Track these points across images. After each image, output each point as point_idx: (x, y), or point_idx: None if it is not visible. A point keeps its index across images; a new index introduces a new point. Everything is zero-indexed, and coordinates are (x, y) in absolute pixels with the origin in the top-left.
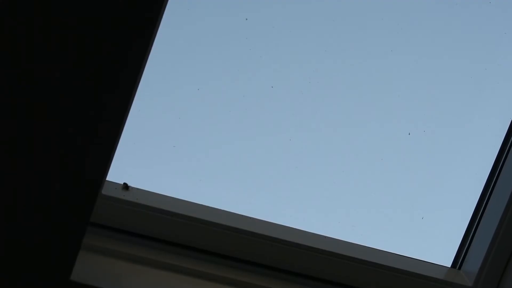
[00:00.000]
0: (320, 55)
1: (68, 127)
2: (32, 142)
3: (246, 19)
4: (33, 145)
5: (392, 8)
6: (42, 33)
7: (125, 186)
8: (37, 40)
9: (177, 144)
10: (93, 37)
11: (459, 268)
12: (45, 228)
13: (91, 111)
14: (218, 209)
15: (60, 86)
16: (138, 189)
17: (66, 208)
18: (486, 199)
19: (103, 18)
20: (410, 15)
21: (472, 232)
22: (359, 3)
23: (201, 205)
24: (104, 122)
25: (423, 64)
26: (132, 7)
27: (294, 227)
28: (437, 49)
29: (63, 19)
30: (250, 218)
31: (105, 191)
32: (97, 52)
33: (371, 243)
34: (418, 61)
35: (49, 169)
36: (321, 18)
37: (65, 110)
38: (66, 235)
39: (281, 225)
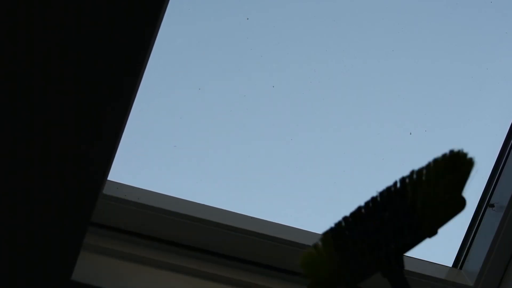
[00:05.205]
0: (321, 55)
1: (68, 126)
2: (33, 141)
3: (247, 18)
4: (33, 145)
5: (392, 8)
6: (42, 33)
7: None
8: (37, 41)
9: (178, 144)
10: (93, 37)
11: (461, 267)
12: (46, 227)
13: (92, 110)
14: (218, 208)
15: (60, 86)
16: (139, 188)
17: (67, 207)
18: (487, 198)
19: (103, 18)
20: (411, 15)
21: (473, 232)
22: (360, 3)
23: (202, 204)
24: (105, 121)
25: (424, 64)
26: (132, 6)
27: (295, 226)
28: (438, 49)
29: (62, 20)
30: (251, 217)
31: (106, 190)
32: (97, 52)
33: None
34: (419, 61)
35: (50, 168)
36: (322, 18)
37: (66, 109)
38: (67, 235)
39: (281, 224)
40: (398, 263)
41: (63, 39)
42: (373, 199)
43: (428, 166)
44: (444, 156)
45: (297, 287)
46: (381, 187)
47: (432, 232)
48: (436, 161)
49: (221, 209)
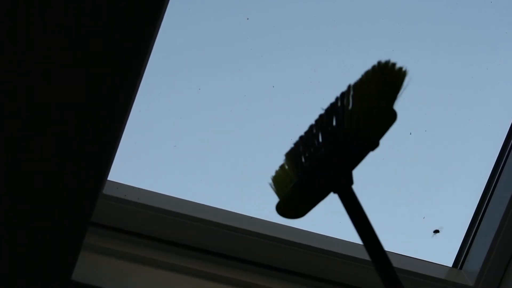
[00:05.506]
0: (321, 55)
1: (69, 126)
2: (33, 141)
3: (247, 18)
4: (33, 145)
5: (393, 8)
6: (42, 33)
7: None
8: (37, 40)
9: (178, 144)
10: (94, 37)
11: (461, 267)
12: (46, 227)
13: (92, 110)
14: (218, 208)
15: (60, 86)
16: (139, 188)
17: (67, 207)
18: (487, 198)
19: (103, 18)
20: (411, 15)
21: (473, 232)
22: (360, 3)
23: (202, 204)
24: (105, 121)
25: (424, 64)
26: (132, 6)
27: (295, 226)
28: (438, 49)
29: (62, 20)
30: (251, 217)
31: (106, 190)
32: (98, 52)
33: None
34: (419, 61)
35: (50, 168)
36: (322, 18)
37: (66, 109)
38: (67, 235)
39: (281, 224)
40: (347, 179)
41: (63, 39)
42: (321, 116)
43: (361, 78)
44: (373, 67)
45: (297, 287)
46: (381, 188)
47: (374, 144)
48: (367, 73)
49: (221, 209)
